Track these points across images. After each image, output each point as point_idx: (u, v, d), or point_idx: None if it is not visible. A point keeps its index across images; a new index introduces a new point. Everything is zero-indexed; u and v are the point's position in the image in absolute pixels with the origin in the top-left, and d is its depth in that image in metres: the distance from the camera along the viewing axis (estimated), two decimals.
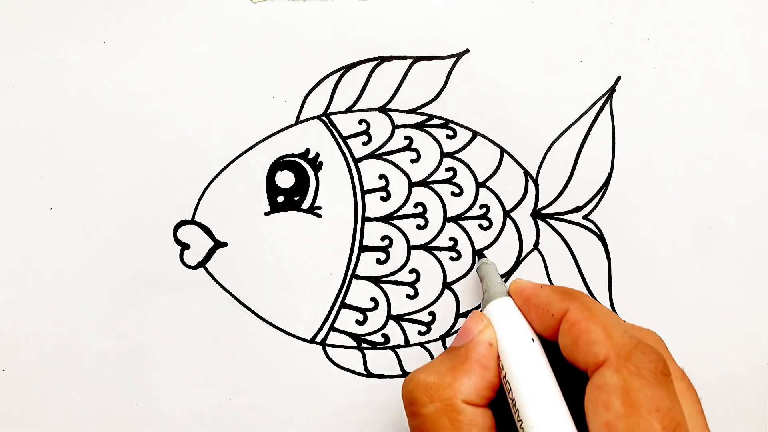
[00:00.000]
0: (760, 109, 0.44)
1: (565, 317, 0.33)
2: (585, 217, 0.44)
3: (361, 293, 0.43)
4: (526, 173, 0.44)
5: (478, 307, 0.44)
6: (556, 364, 0.33)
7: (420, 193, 0.43)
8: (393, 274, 0.43)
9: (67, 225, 0.43)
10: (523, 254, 0.44)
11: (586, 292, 0.44)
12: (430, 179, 0.43)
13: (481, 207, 0.43)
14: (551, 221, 0.44)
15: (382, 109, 0.43)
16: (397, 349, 0.44)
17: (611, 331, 0.32)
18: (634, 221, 0.44)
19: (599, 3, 0.43)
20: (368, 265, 0.43)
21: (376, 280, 0.43)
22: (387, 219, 0.43)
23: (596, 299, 0.44)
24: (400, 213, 0.43)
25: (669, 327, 0.44)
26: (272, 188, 0.43)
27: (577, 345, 0.32)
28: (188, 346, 0.43)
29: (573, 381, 0.32)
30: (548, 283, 0.44)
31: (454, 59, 0.43)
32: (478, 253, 0.43)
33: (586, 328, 0.32)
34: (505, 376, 0.33)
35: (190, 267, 0.43)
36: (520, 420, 0.31)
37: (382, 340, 0.44)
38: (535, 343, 0.34)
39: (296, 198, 0.43)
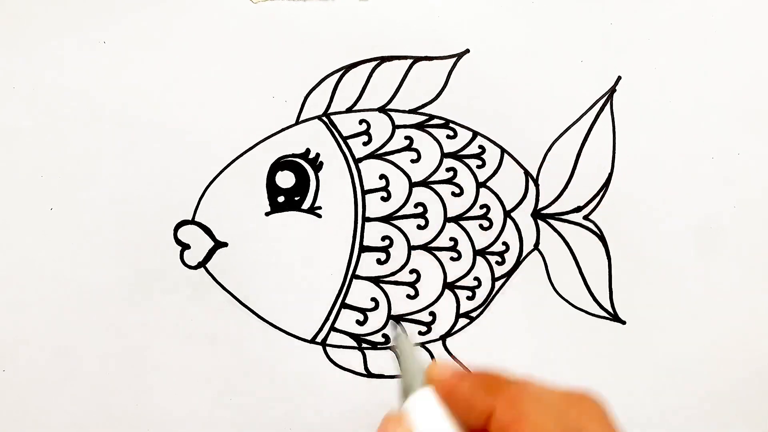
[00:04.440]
0: (760, 109, 0.44)
1: (493, 417, 0.29)
2: (585, 217, 0.44)
3: (361, 293, 0.43)
4: (527, 173, 0.44)
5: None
6: None
7: (420, 193, 0.43)
8: (393, 274, 0.43)
9: (67, 225, 0.43)
10: (524, 254, 0.44)
11: (586, 293, 0.44)
12: (430, 179, 0.43)
13: (481, 207, 0.43)
14: (552, 221, 0.44)
15: (382, 109, 0.43)
16: None
17: None
18: (634, 221, 0.44)
19: (599, 3, 0.43)
20: (368, 265, 0.43)
21: (377, 280, 0.43)
22: (387, 219, 0.43)
23: (597, 300, 0.44)
24: (401, 213, 0.43)
25: (669, 327, 0.44)
26: (272, 188, 0.43)
27: None
28: (188, 346, 0.43)
29: None
30: (549, 282, 0.44)
31: (454, 59, 0.43)
32: (392, 319, 0.42)
33: None
34: None
35: (190, 267, 0.43)
36: None
37: (383, 340, 0.44)
38: None
39: (296, 198, 0.43)
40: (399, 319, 0.44)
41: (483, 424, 0.29)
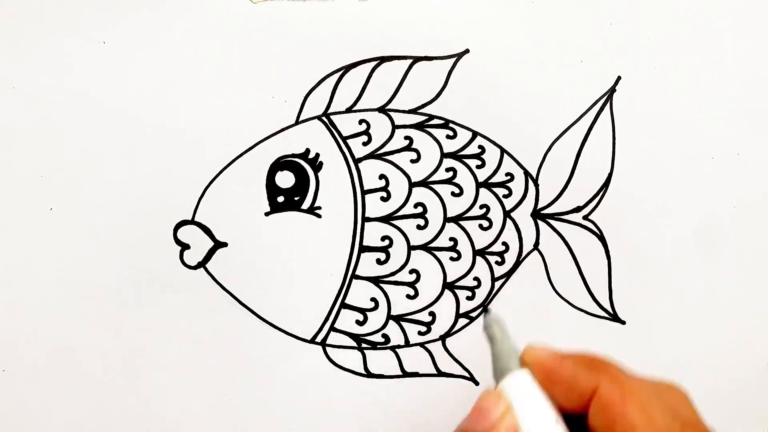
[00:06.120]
0: (760, 109, 0.44)
1: (596, 395, 0.30)
2: (585, 218, 0.44)
3: (361, 293, 0.43)
4: (526, 173, 0.44)
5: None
6: None
7: (420, 194, 0.43)
8: (393, 274, 0.43)
9: (67, 225, 0.43)
10: (523, 254, 0.44)
11: (586, 293, 0.44)
12: (430, 179, 0.43)
13: (481, 207, 0.43)
14: (551, 221, 0.44)
15: (382, 109, 0.43)
16: (397, 349, 0.44)
17: (650, 412, 0.29)
18: (634, 221, 0.44)
19: (599, 3, 0.43)
20: (368, 265, 0.43)
21: (376, 281, 0.43)
22: (387, 219, 0.43)
23: (597, 300, 0.44)
24: (400, 213, 0.43)
25: (669, 327, 0.44)
26: (272, 188, 0.43)
27: (614, 429, 0.29)
28: (188, 346, 0.43)
29: None
30: (548, 282, 0.44)
31: (454, 59, 0.43)
32: (484, 309, 0.42)
33: (622, 410, 0.29)
34: None
35: (190, 267, 0.43)
36: None
37: (382, 340, 0.44)
38: (560, 426, 0.30)
39: (296, 198, 0.43)
40: (399, 318, 0.44)
41: (585, 402, 0.30)
